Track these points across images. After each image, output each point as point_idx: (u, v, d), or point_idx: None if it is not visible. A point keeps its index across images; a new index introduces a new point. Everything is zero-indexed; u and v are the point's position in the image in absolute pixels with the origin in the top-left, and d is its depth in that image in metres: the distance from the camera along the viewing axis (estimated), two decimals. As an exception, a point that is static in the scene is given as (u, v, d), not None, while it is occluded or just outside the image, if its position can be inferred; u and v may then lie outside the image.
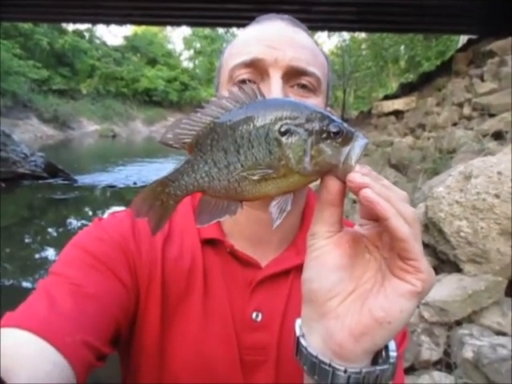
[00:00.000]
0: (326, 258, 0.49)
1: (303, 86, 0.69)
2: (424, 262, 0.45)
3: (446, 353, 2.27)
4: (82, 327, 0.56)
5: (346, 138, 0.47)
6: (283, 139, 0.47)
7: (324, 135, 0.46)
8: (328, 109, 0.78)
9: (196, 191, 0.51)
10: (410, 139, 5.90)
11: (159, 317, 0.69)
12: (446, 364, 2.22)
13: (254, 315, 0.71)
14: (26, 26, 25.94)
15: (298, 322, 0.54)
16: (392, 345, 0.50)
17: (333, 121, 0.47)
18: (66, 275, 0.62)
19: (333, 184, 0.48)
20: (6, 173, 10.48)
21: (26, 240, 7.94)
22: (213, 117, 0.49)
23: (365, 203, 0.44)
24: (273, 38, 0.69)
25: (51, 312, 0.55)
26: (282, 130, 0.47)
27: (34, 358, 0.49)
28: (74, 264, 0.64)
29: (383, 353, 0.50)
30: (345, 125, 0.47)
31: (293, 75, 0.68)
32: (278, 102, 0.51)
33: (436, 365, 2.25)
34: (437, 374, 2.15)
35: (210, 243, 0.74)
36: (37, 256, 7.21)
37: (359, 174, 0.45)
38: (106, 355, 0.60)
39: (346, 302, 0.48)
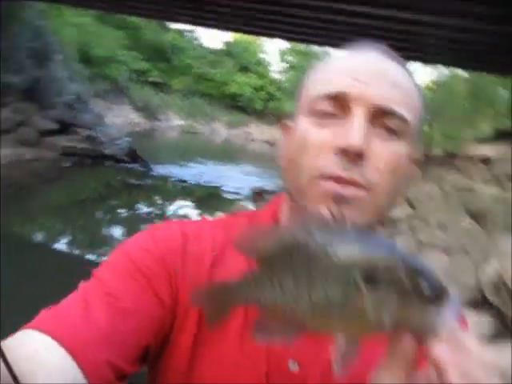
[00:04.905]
0: None
1: (387, 129, 0.61)
2: None
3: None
4: (110, 345, 0.54)
5: (436, 299, 0.41)
6: (364, 287, 0.41)
7: (413, 293, 0.41)
8: (415, 156, 0.69)
9: (253, 304, 0.48)
10: (494, 189, 5.52)
11: (192, 341, 0.65)
12: None
13: (290, 364, 0.63)
14: (135, 20, 27.87)
15: None
16: None
17: (426, 277, 0.41)
18: (105, 282, 0.61)
19: (407, 342, 0.41)
20: (92, 150, 11.32)
21: (97, 216, 8.50)
22: (293, 235, 0.45)
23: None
24: (360, 70, 0.63)
25: (83, 324, 0.54)
26: (366, 276, 0.41)
27: (53, 368, 0.48)
28: (115, 271, 0.63)
29: None
30: (439, 282, 0.42)
31: (377, 115, 0.61)
32: (371, 242, 0.45)
33: None
34: None
35: None
36: (104, 233, 7.69)
37: (445, 351, 0.39)
38: (127, 374, 0.58)
39: None
